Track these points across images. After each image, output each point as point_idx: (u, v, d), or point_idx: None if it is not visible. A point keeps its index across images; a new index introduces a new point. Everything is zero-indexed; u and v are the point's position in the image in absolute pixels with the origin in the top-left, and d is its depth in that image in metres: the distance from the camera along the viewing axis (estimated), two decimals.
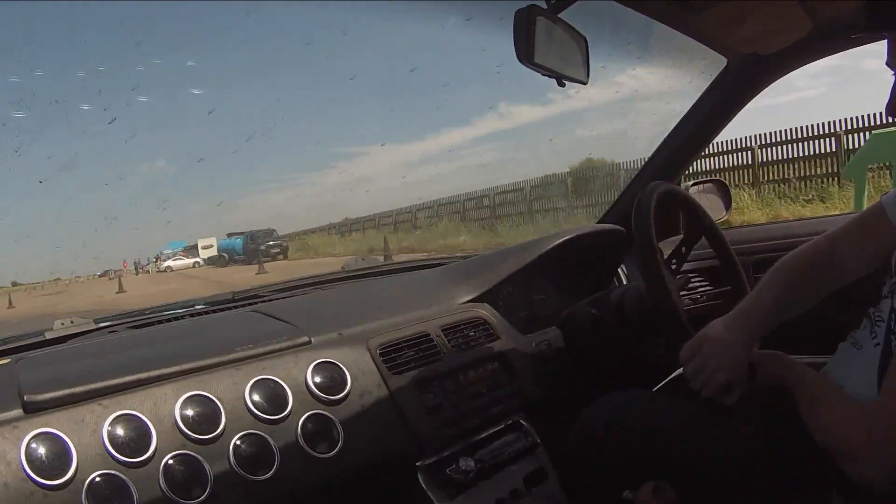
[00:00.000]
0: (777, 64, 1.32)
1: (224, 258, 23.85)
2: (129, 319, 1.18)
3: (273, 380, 0.85)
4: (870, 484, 0.71)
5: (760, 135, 9.14)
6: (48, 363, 0.89)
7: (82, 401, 0.74)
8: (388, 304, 1.14)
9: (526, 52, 0.83)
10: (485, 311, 1.15)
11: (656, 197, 1.04)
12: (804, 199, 8.34)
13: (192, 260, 26.72)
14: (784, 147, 8.99)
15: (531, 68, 0.85)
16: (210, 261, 25.29)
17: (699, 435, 0.89)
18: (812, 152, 8.72)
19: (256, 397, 0.83)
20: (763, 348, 0.89)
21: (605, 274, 1.47)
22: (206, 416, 0.78)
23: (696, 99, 1.45)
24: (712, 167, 9.39)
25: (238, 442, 0.78)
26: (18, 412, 0.71)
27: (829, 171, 8.49)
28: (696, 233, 1.17)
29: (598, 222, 1.58)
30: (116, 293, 15.09)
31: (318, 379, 0.88)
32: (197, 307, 1.26)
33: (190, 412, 0.77)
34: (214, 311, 1.24)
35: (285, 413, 0.83)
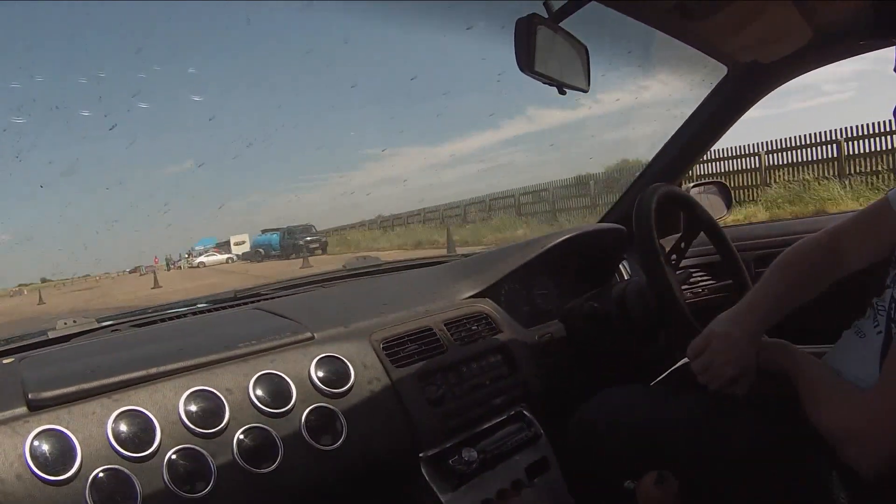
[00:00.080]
0: (777, 72, 1.32)
1: (260, 253, 23.76)
2: (131, 318, 1.18)
3: (276, 374, 0.86)
4: (868, 469, 0.71)
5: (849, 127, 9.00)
6: (52, 361, 0.90)
7: (86, 398, 0.74)
8: (391, 301, 1.15)
9: (527, 61, 0.84)
10: (487, 306, 1.16)
11: (657, 197, 1.06)
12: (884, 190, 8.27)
13: (226, 256, 26.90)
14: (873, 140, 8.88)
15: (532, 76, 0.86)
16: (244, 256, 25.31)
17: (700, 426, 0.90)
18: None
19: (260, 392, 0.83)
20: (768, 337, 0.90)
21: (606, 272, 1.47)
22: (210, 410, 0.78)
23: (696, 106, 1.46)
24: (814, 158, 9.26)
25: (242, 436, 0.78)
26: (23, 410, 0.71)
27: None
28: (694, 228, 1.18)
29: (599, 222, 1.58)
30: (152, 289, 14.62)
31: (321, 373, 0.89)
32: (199, 305, 1.27)
33: (194, 407, 0.78)
34: (217, 310, 1.25)
35: (289, 406, 0.83)
